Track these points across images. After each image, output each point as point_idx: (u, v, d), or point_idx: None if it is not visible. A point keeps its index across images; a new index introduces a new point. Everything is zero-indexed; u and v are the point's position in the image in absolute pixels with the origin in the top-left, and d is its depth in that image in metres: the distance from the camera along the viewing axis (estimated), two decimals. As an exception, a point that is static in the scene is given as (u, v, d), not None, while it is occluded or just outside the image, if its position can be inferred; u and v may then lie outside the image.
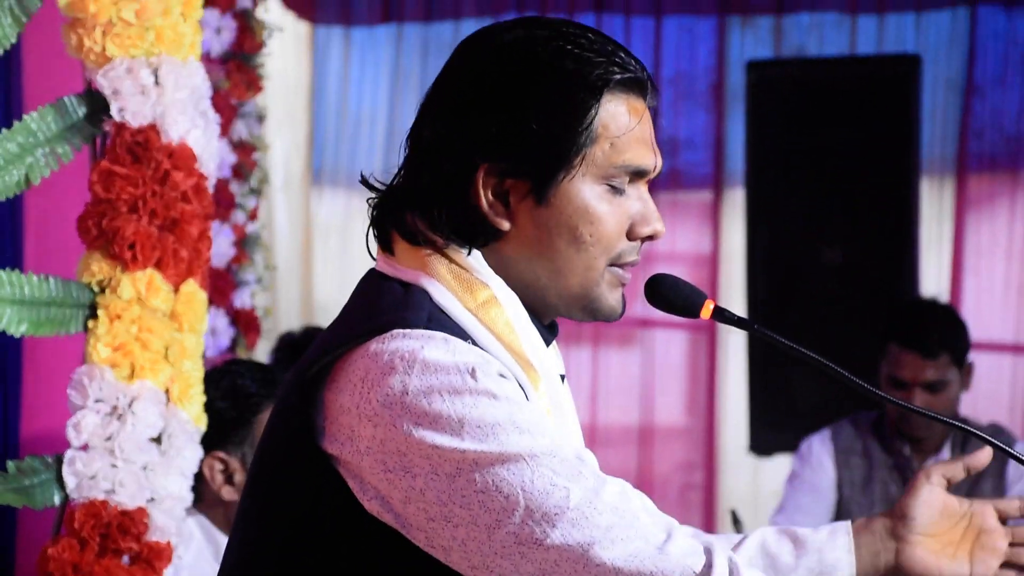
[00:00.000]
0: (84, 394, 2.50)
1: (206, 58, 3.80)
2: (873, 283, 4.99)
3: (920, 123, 5.07)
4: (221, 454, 2.69)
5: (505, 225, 1.61)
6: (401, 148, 1.68)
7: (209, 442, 2.64)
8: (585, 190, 1.61)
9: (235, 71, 4.09)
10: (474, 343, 1.56)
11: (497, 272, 1.63)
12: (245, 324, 4.17)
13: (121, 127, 2.57)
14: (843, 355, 4.61)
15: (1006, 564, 1.78)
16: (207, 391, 2.64)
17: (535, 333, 1.64)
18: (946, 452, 3.91)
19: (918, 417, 3.80)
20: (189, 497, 2.56)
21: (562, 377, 1.71)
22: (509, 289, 1.63)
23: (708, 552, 1.52)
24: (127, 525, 2.47)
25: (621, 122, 1.61)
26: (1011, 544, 1.78)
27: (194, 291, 2.61)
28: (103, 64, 2.56)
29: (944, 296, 5.37)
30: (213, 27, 3.98)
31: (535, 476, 1.48)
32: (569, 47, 1.61)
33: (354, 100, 5.89)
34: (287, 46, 5.46)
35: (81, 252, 2.59)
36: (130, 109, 2.56)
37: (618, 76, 1.61)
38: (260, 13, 4.21)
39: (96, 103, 2.59)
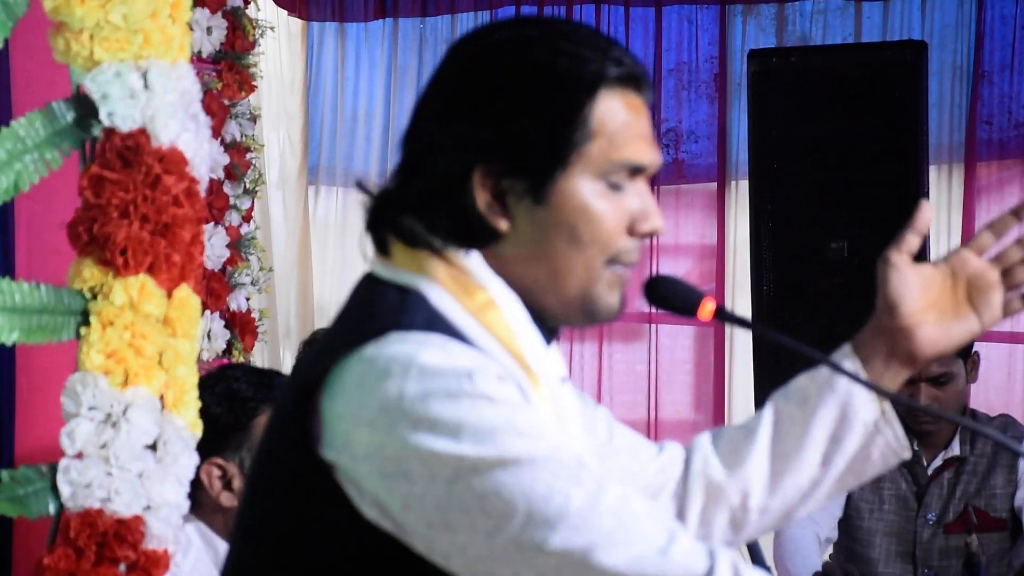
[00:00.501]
0: (78, 402, 2.48)
1: (197, 58, 3.79)
2: (880, 274, 4.95)
3: (927, 111, 5.03)
4: (219, 460, 2.67)
5: (504, 226, 1.60)
6: (397, 146, 1.66)
7: (206, 448, 2.61)
8: (583, 188, 1.59)
9: (227, 71, 4.06)
10: (472, 346, 1.54)
11: (496, 274, 1.62)
12: (241, 327, 4.15)
13: (111, 132, 2.54)
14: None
15: (1010, 290, 1.80)
16: (203, 397, 2.62)
17: (535, 335, 1.62)
18: (956, 447, 3.89)
19: (924, 421, 3.79)
20: (186, 504, 2.53)
21: (564, 379, 1.70)
22: (508, 291, 1.61)
23: (711, 555, 1.49)
24: (123, 533, 2.44)
25: (618, 118, 1.60)
26: (1003, 271, 1.81)
27: (187, 296, 2.59)
28: (91, 68, 2.53)
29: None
30: (203, 27, 3.95)
31: (535, 481, 1.46)
32: (563, 44, 1.59)
33: (350, 97, 5.88)
34: (280, 43, 5.45)
35: (72, 258, 2.56)
36: (119, 113, 2.53)
37: (614, 73, 1.60)
38: (251, 12, 4.18)
39: (85, 108, 2.55)
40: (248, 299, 4.24)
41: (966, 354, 3.88)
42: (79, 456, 2.46)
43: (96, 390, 2.47)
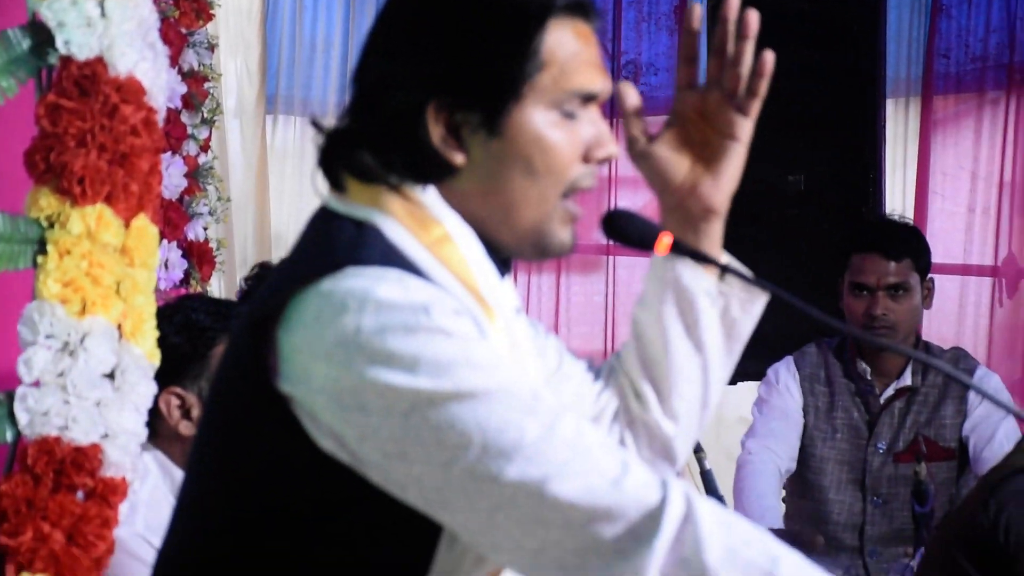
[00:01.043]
0: (35, 330, 2.47)
1: (154, -14, 3.74)
2: (837, 207, 4.99)
3: (885, 43, 5.05)
4: (177, 389, 2.68)
5: (459, 159, 1.61)
6: (351, 80, 1.66)
7: (165, 377, 2.62)
8: (537, 118, 1.60)
9: (184, 0, 4.03)
10: (428, 280, 1.55)
11: (451, 208, 1.63)
12: (199, 257, 4.14)
13: (67, 60, 2.52)
14: (807, 280, 4.66)
15: (733, 97, 1.79)
16: (161, 327, 2.62)
17: (490, 268, 1.64)
18: (908, 377, 3.93)
19: (881, 331, 3.82)
20: (144, 433, 2.54)
21: (517, 311, 1.71)
22: (464, 225, 1.62)
23: (664, 485, 1.51)
24: (81, 461, 2.45)
25: (568, 47, 1.61)
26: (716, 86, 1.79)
27: (145, 226, 2.59)
28: (48, -5, 2.51)
29: (909, 218, 5.39)
30: (160, -46, 3.91)
31: (490, 412, 1.48)
32: None
33: (308, 26, 5.82)
34: (237, -28, 5.39)
35: (29, 187, 2.55)
36: (76, 42, 2.51)
37: (562, 1, 1.61)
38: (209, -61, 4.15)
39: (41, 36, 2.53)
40: (206, 229, 4.22)
41: (923, 272, 3.93)
42: (36, 384, 2.47)
43: (53, 319, 2.47)
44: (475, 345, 1.51)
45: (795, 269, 4.87)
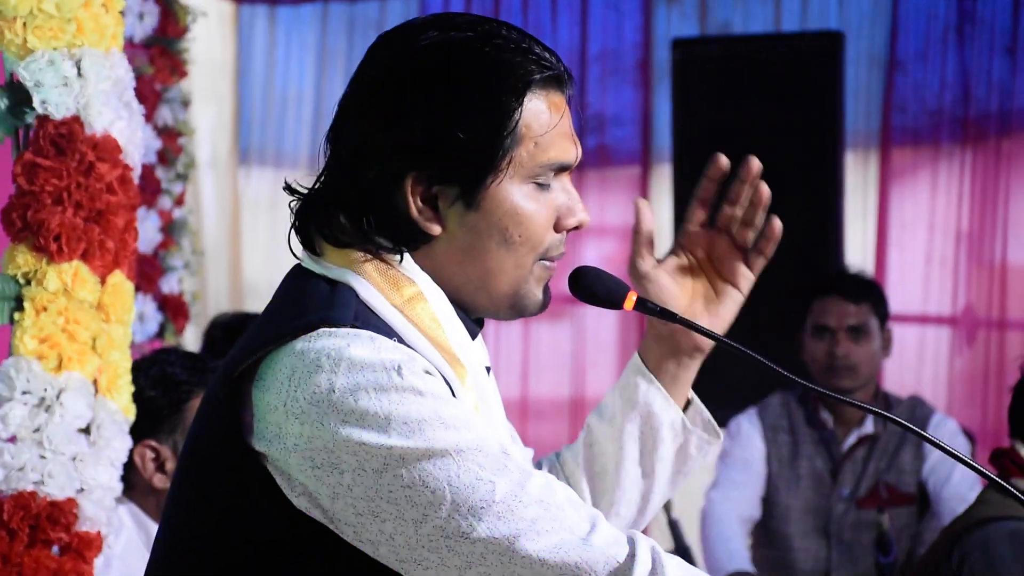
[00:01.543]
0: (11, 386, 2.50)
1: (129, 44, 3.78)
2: (799, 257, 5.04)
3: (844, 98, 5.12)
4: (152, 442, 2.69)
5: (436, 230, 1.64)
6: (324, 139, 1.69)
7: (140, 431, 2.64)
8: (513, 191, 1.63)
9: (159, 56, 4.06)
10: (400, 340, 1.58)
11: (425, 271, 1.66)
12: (173, 310, 4.16)
13: (44, 119, 2.56)
14: (769, 329, 4.71)
15: (744, 250, 1.87)
16: (136, 380, 2.64)
17: (461, 327, 1.67)
18: (869, 425, 3.98)
19: (842, 372, 3.87)
20: (119, 487, 2.56)
21: (488, 369, 1.74)
22: (435, 285, 1.65)
23: (631, 542, 1.55)
24: (56, 516, 2.47)
25: (543, 120, 1.64)
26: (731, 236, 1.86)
27: (121, 282, 2.61)
28: (24, 56, 2.55)
29: (868, 268, 5.45)
30: (136, 12, 3.94)
31: (461, 471, 1.51)
32: (487, 50, 1.62)
33: (280, 80, 5.87)
34: (211, 26, 5.42)
35: (5, 245, 2.58)
36: (53, 101, 2.55)
37: (537, 76, 1.63)
38: (183, -3, 4.19)
39: (18, 95, 2.57)
40: (180, 282, 4.24)
41: (883, 318, 3.99)
42: (12, 439, 2.49)
43: (30, 374, 2.50)
44: (446, 404, 1.54)
45: (757, 318, 4.92)
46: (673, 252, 1.86)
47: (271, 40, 5.88)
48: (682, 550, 3.54)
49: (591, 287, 1.78)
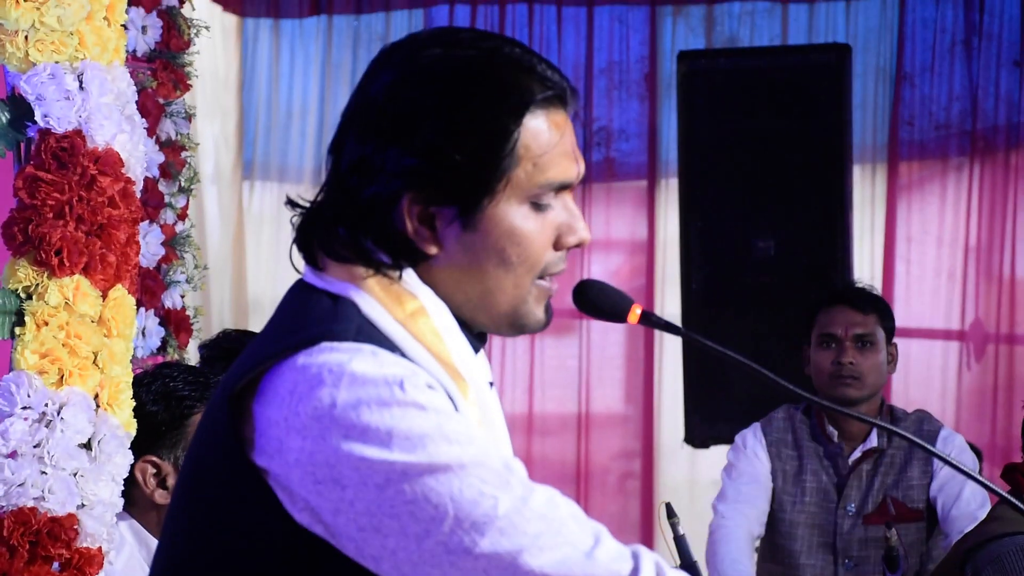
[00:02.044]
0: (12, 401, 2.49)
1: (132, 57, 3.78)
2: (806, 271, 5.04)
3: (851, 111, 5.12)
4: (153, 458, 2.67)
5: (432, 250, 1.63)
6: (327, 153, 1.68)
7: (141, 446, 2.63)
8: (511, 212, 1.62)
9: (162, 70, 4.05)
10: (402, 355, 1.57)
11: (428, 286, 1.64)
12: (176, 324, 4.15)
13: (46, 133, 2.56)
14: (776, 344, 4.68)
15: None
16: (138, 395, 2.63)
17: (463, 342, 1.65)
18: (874, 439, 3.96)
19: (848, 381, 3.86)
20: (120, 503, 2.55)
21: (491, 384, 1.72)
22: (438, 299, 1.64)
23: (635, 557, 1.54)
24: (57, 532, 2.46)
25: (543, 140, 1.62)
26: None
27: (122, 296, 2.61)
28: (26, 69, 2.55)
29: (876, 283, 5.44)
30: (138, 26, 3.93)
31: (464, 486, 1.49)
32: (488, 69, 1.61)
33: (284, 92, 5.87)
34: (215, 39, 5.43)
35: (6, 259, 2.57)
36: (55, 115, 2.55)
37: (539, 95, 1.62)
38: (186, 11, 4.18)
39: (20, 109, 2.57)
40: (183, 296, 4.24)
41: (889, 332, 3.98)
42: (13, 455, 2.48)
43: (31, 389, 2.49)
44: (448, 419, 1.53)
45: (765, 333, 4.92)
46: None
47: (275, 53, 5.88)
48: (688, 566, 3.51)
49: (595, 300, 1.77)
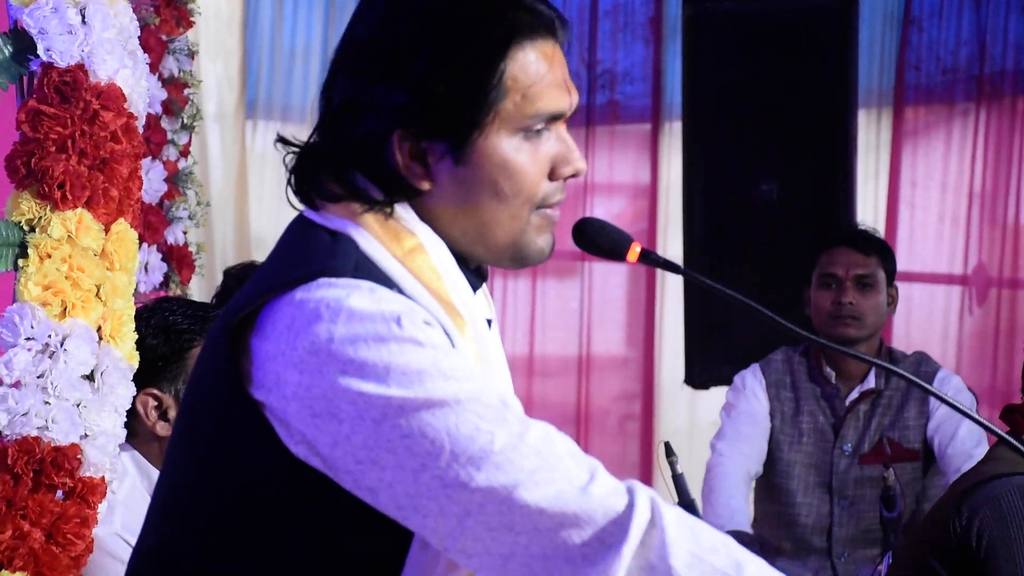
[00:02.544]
0: (16, 332, 2.51)
1: (135, -7, 3.77)
2: (809, 216, 5.04)
3: (857, 56, 5.10)
4: (154, 390, 2.69)
5: (425, 186, 1.63)
6: (320, 94, 1.67)
7: (142, 379, 2.65)
8: (502, 144, 1.62)
9: (164, 6, 4.05)
10: (400, 291, 1.58)
11: (426, 223, 1.65)
12: (178, 260, 4.17)
13: (48, 67, 2.56)
14: (778, 288, 4.70)
15: None
16: (139, 329, 2.64)
17: (462, 280, 1.66)
18: (871, 380, 3.98)
19: (848, 321, 3.88)
20: (122, 434, 2.57)
21: (489, 322, 1.73)
22: (436, 236, 1.64)
23: (630, 492, 1.54)
24: (60, 461, 2.48)
25: (531, 71, 1.61)
26: None
27: (125, 230, 2.62)
28: (29, 3, 2.54)
29: (880, 227, 5.44)
30: (141, -39, 3.94)
31: (460, 421, 1.50)
32: (474, 3, 1.61)
33: (287, 32, 5.84)
34: (217, -24, 5.41)
35: (10, 191, 2.58)
36: (57, 49, 2.55)
37: (525, 24, 1.61)
38: (189, -52, 4.17)
39: (23, 42, 2.57)
40: (185, 233, 4.25)
41: (890, 274, 4.00)
42: (17, 385, 2.50)
43: (34, 320, 2.51)
44: (445, 355, 1.53)
45: (768, 276, 4.93)
46: None
47: (279, -9, 5.86)
48: (686, 504, 3.53)
49: (595, 238, 1.77)
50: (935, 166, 5.58)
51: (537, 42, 1.62)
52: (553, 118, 1.65)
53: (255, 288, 1.61)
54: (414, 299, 1.58)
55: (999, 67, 5.44)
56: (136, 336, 2.61)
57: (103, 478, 2.52)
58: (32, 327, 2.50)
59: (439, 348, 1.53)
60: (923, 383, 1.84)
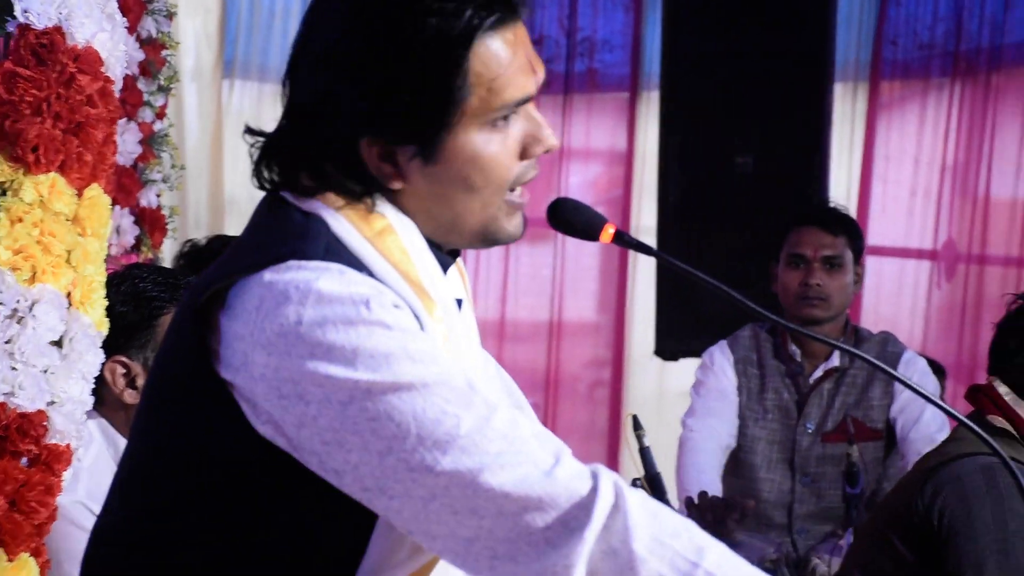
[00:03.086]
0: (-16, 296, 2.49)
1: (113, -46, 3.73)
2: (783, 188, 5.06)
3: (835, 29, 5.10)
4: (123, 358, 2.68)
5: (397, 185, 1.63)
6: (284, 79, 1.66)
7: (111, 346, 2.63)
8: (471, 139, 1.61)
9: (143, -34, 4.02)
10: (370, 273, 1.58)
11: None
12: (151, 223, 4.14)
13: (25, 28, 2.54)
14: (751, 260, 4.71)
15: None
16: (108, 295, 2.63)
17: (432, 260, 1.66)
18: (836, 358, 4.00)
19: (815, 303, 3.90)
20: (89, 401, 2.56)
21: (460, 302, 1.73)
22: (406, 218, 1.64)
23: (594, 476, 1.55)
24: (26, 427, 2.47)
25: (493, 64, 1.60)
26: None
27: (98, 195, 2.61)
28: (5, -36, 2.52)
29: (853, 200, 5.46)
30: (119, -78, 3.89)
31: (426, 404, 1.51)
32: (428, 2, 1.57)
33: (266, -11, 5.81)
34: (196, -63, 5.37)
35: (-19, 155, 2.57)
36: (34, 10, 2.53)
37: (485, 19, 1.59)
38: (168, -93, 4.13)
39: (-1, 4, 2.55)
40: (159, 196, 4.23)
41: (857, 253, 4.01)
42: (-16, 350, 2.49)
43: (3, 285, 2.49)
44: (413, 338, 1.54)
45: (740, 248, 4.95)
46: None
47: (257, -51, 5.81)
48: (652, 477, 3.56)
49: (569, 219, 1.78)
50: (909, 140, 5.60)
51: (497, 30, 1.60)
52: (521, 103, 1.64)
53: (225, 265, 1.61)
54: (383, 280, 1.58)
55: (975, 43, 5.45)
56: (106, 303, 2.60)
57: (68, 445, 2.51)
58: (1, 291, 2.49)
59: (407, 331, 1.54)
60: (886, 367, 1.85)
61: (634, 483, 3.51)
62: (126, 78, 3.88)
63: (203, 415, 1.59)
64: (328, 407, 1.51)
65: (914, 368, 3.95)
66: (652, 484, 3.48)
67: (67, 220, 2.56)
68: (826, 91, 5.07)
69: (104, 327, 2.59)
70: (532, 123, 1.65)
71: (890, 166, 5.62)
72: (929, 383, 3.94)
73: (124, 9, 2.73)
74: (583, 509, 1.52)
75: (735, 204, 5.09)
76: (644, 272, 5.71)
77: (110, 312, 2.62)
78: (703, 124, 5.13)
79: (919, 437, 3.81)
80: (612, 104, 5.85)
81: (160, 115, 4.24)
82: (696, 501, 3.50)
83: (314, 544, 1.60)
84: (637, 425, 3.63)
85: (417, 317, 1.59)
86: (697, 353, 4.20)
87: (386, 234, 1.62)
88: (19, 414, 2.47)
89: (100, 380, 2.61)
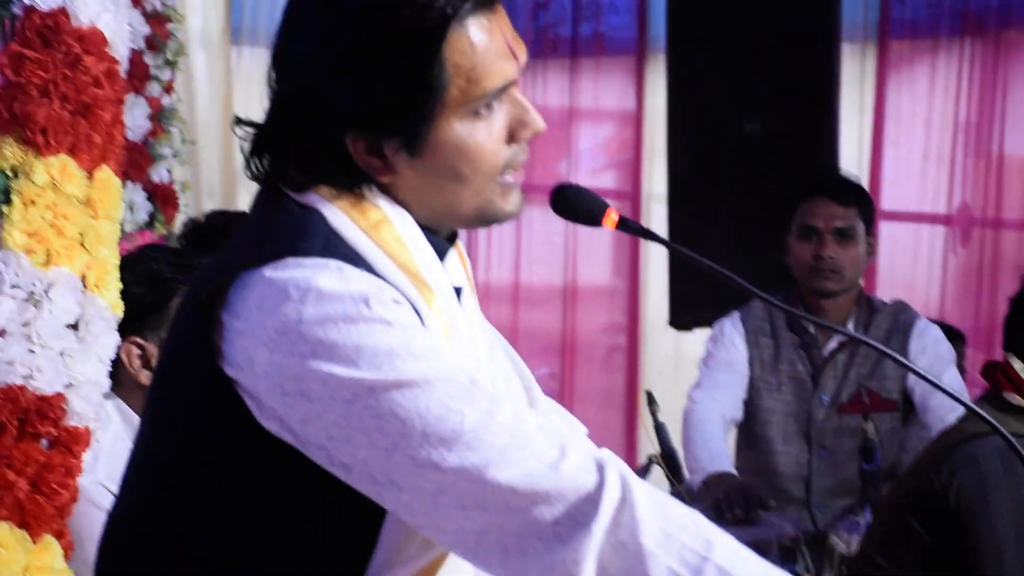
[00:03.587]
0: (0, 279, 2.50)
1: (118, -70, 3.72)
2: (792, 153, 5.03)
3: (842, -11, 5.08)
4: (138, 339, 2.70)
5: (386, 178, 1.62)
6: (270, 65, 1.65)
7: (126, 327, 2.64)
8: (455, 130, 1.60)
9: (149, -64, 4.00)
10: (368, 267, 1.57)
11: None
12: (163, 199, 4.14)
13: (30, 10, 2.53)
14: (761, 226, 4.70)
15: None
16: (123, 277, 2.63)
17: (429, 249, 1.65)
18: (850, 329, 3.98)
19: (828, 275, 3.89)
20: (107, 383, 2.57)
21: (460, 291, 1.72)
22: (400, 208, 1.64)
23: (601, 469, 1.54)
24: (45, 410, 2.48)
25: (470, 53, 1.58)
26: None
27: (108, 177, 2.61)
28: (10, -54, 2.52)
29: (864, 165, 5.43)
30: None
31: (430, 401, 1.51)
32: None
33: (273, -46, 5.78)
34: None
35: (-7, 136, 2.57)
36: (39, -8, 2.53)
37: (460, 9, 1.57)
38: None
39: (4, -14, 2.55)
40: (170, 171, 4.22)
41: (869, 224, 3.99)
42: (1, 333, 2.49)
43: (19, 268, 2.50)
44: (415, 334, 1.54)
45: (750, 213, 4.93)
46: None
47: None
48: (668, 454, 3.57)
49: (572, 204, 1.78)
50: (920, 101, 5.57)
51: (473, 18, 1.59)
52: (503, 89, 1.63)
53: (225, 261, 1.61)
54: (381, 273, 1.58)
55: (984, 1, 5.41)
56: (120, 285, 2.61)
57: (87, 427, 2.52)
58: (17, 275, 2.49)
59: (408, 328, 1.54)
60: (890, 352, 1.85)
61: (649, 460, 3.52)
62: (133, 52, 3.87)
63: (210, 409, 1.60)
64: (332, 405, 1.51)
65: (927, 336, 3.94)
66: (668, 461, 3.50)
67: (79, 203, 2.56)
68: (833, 52, 5.04)
69: (119, 309, 2.59)
70: (517, 107, 1.65)
71: (901, 128, 5.59)
72: (943, 350, 3.93)
73: (130, -17, 2.72)
74: (590, 503, 1.52)
75: (744, 170, 5.07)
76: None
77: (125, 294, 2.62)
78: (710, 88, 5.10)
79: (940, 404, 3.78)
80: (619, 67, 5.82)
81: (168, 89, 4.23)
82: (714, 482, 3.52)
83: (325, 537, 1.60)
84: (651, 400, 3.64)
85: (417, 311, 1.58)
86: (711, 323, 4.19)
87: (382, 225, 1.62)
88: (38, 396, 2.48)
89: (116, 362, 2.62)
